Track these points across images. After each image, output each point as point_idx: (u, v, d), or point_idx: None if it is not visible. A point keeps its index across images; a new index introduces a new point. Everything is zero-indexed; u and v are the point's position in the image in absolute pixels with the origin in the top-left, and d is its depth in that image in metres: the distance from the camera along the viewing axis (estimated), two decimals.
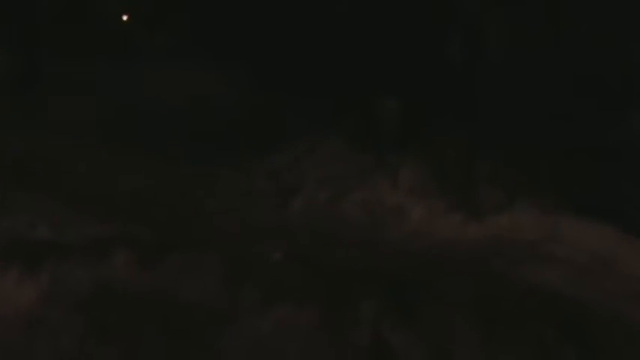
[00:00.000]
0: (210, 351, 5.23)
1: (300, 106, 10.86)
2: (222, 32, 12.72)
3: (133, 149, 10.50)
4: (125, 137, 10.88)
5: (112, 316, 5.45)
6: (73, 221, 7.83)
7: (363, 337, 5.41)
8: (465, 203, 8.46)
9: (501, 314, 5.83)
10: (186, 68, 12.56)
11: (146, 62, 13.26)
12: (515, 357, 5.35)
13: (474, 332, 5.49)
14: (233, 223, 8.14)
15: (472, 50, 10.02)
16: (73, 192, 9.01)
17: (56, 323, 5.38)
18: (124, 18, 14.89)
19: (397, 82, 10.20)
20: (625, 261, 7.30)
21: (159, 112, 11.56)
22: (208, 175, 9.69)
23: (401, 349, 5.32)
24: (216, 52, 12.59)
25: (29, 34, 14.05)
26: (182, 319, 5.47)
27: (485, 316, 5.71)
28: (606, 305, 6.27)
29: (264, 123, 10.88)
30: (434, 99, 9.84)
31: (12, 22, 14.10)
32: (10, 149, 10.58)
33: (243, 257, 6.51)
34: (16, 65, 13.89)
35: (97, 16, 14.48)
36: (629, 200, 8.18)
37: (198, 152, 10.32)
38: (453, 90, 9.83)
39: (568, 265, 7.14)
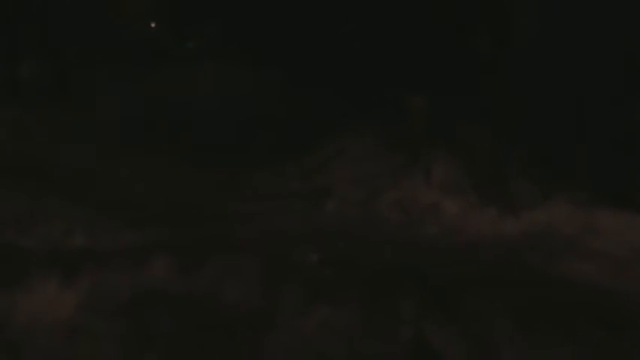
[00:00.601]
0: (252, 353, 5.23)
1: (330, 107, 10.87)
2: (253, 35, 12.76)
3: (166, 153, 10.54)
4: (158, 141, 10.93)
5: (152, 321, 5.47)
6: (108, 228, 7.88)
7: (405, 336, 5.39)
8: (500, 198, 8.42)
9: (540, 309, 5.80)
10: (216, 72, 12.62)
11: (176, 66, 13.32)
12: (554, 350, 5.31)
13: (513, 326, 5.46)
14: (268, 225, 8.14)
15: (500, 43, 9.97)
16: (106, 198, 9.07)
17: (97, 330, 5.40)
18: (152, 25, 14.96)
19: (426, 79, 10.17)
20: None
21: (190, 116, 11.61)
22: (242, 178, 9.72)
23: (442, 346, 5.30)
24: (246, 55, 12.64)
25: (56, 41, 14.14)
26: (223, 323, 5.48)
27: (524, 311, 5.69)
28: None
29: (295, 124, 10.89)
30: (463, 94, 9.80)
31: (40, 29, 14.19)
32: (42, 156, 10.67)
33: (281, 260, 6.52)
34: (45, 72, 13.97)
35: (125, 22, 14.55)
36: None
37: (231, 155, 10.35)
38: (482, 84, 9.79)
39: (605, 258, 7.10)
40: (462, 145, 9.45)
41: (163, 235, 7.31)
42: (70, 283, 5.89)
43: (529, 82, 9.46)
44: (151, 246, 6.64)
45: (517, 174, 8.77)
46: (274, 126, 10.99)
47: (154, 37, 14.67)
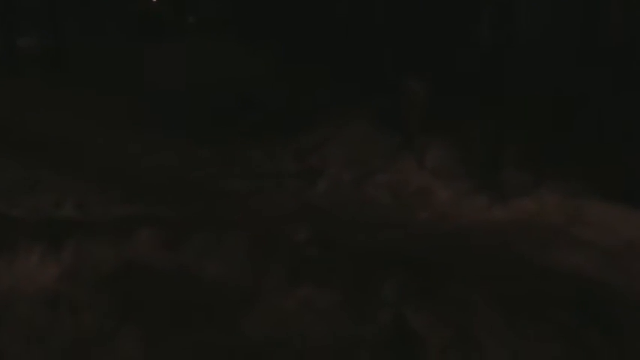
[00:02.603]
0: (234, 329, 5.23)
1: (326, 88, 10.84)
2: (252, 14, 12.72)
3: (159, 128, 10.53)
4: (151, 116, 10.91)
5: (134, 294, 5.47)
6: (98, 200, 7.89)
7: (385, 318, 5.38)
8: (491, 185, 8.40)
9: (525, 297, 5.77)
10: (214, 48, 12.58)
11: (174, 41, 13.30)
12: (538, 340, 5.29)
13: (496, 314, 5.44)
14: (258, 203, 8.15)
15: (501, 30, 9.92)
16: (98, 171, 9.07)
17: (78, 301, 5.40)
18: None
19: (424, 63, 10.13)
20: None
21: (185, 91, 11.59)
22: (234, 155, 9.70)
23: (422, 330, 5.29)
24: (244, 34, 12.60)
25: (57, 15, 14.11)
26: (205, 298, 5.48)
27: (508, 299, 5.66)
28: (632, 289, 6.20)
29: (290, 104, 10.87)
30: (460, 80, 9.77)
31: (40, 2, 14.17)
32: (37, 129, 10.67)
33: (268, 237, 6.51)
34: (44, 46, 13.96)
35: None
36: None
37: (224, 132, 10.33)
38: (480, 71, 9.75)
39: (594, 248, 7.07)
40: (456, 132, 9.42)
41: (151, 210, 7.30)
42: (53, 254, 5.89)
43: (526, 70, 9.43)
44: (137, 219, 6.63)
45: (509, 162, 8.75)
46: (269, 105, 10.96)
47: (156, 11, 14.62)
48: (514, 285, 6.06)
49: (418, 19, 10.49)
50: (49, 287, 5.56)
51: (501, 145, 9.02)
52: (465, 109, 9.59)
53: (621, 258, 6.94)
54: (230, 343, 5.10)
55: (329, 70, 11.05)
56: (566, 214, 7.77)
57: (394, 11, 10.65)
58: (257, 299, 5.45)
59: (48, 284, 5.59)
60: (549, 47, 9.58)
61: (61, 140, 10.34)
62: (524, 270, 6.55)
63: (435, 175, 8.85)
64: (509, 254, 6.94)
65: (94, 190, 8.30)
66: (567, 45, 9.53)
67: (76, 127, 10.76)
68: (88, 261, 5.82)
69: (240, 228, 6.56)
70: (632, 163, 8.33)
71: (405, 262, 6.14)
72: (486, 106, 9.46)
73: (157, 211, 7.31)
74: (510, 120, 9.22)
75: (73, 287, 5.54)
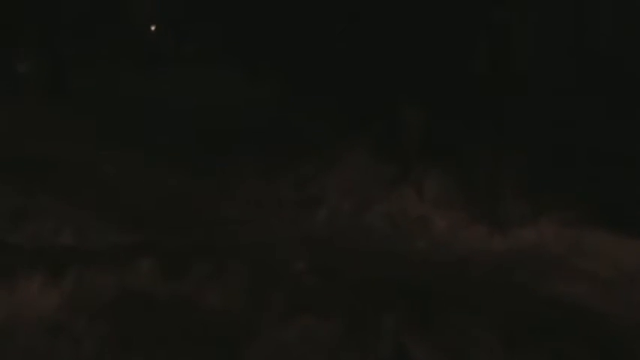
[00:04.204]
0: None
1: (325, 116, 10.85)
2: (250, 42, 12.74)
3: (158, 156, 10.52)
4: (151, 144, 10.90)
5: (134, 323, 5.47)
6: (97, 228, 7.88)
7: (386, 348, 5.39)
8: (490, 215, 8.41)
9: (524, 328, 5.79)
10: (213, 76, 12.59)
11: (173, 69, 13.31)
12: None
13: (496, 345, 5.45)
14: (257, 232, 8.13)
15: (499, 59, 9.96)
16: (97, 198, 9.05)
17: (79, 330, 5.40)
18: (152, 28, 14.96)
19: (422, 92, 10.15)
20: None
21: (185, 119, 11.59)
22: (233, 184, 9.70)
23: None
24: (243, 62, 12.62)
25: (55, 39, 14.13)
26: (205, 328, 5.47)
27: (508, 330, 5.67)
28: (632, 321, 6.20)
29: (289, 132, 10.87)
30: (459, 109, 9.79)
31: (38, 26, 14.18)
32: (35, 154, 10.65)
33: (268, 267, 6.51)
34: (42, 70, 13.96)
35: (125, 23, 14.54)
36: None
37: (224, 160, 10.33)
38: (479, 100, 9.78)
39: (593, 279, 7.07)
40: (455, 161, 9.42)
41: (151, 238, 7.30)
42: (54, 282, 5.89)
43: (524, 100, 9.45)
44: (137, 248, 6.63)
45: (508, 191, 8.76)
46: (268, 134, 10.96)
47: (154, 39, 14.65)
48: (514, 315, 6.07)
49: (415, 48, 10.51)
50: (49, 316, 5.56)
51: (500, 175, 9.04)
52: (463, 138, 9.60)
53: (621, 288, 6.95)
54: None
55: (328, 100, 11.07)
56: (566, 244, 7.78)
57: (391, 40, 10.68)
58: (257, 329, 5.45)
59: (48, 313, 5.59)
60: (546, 74, 9.61)
61: (59, 165, 10.32)
62: (524, 300, 6.56)
63: (434, 204, 8.85)
64: (509, 284, 6.95)
65: (92, 217, 8.28)
66: (564, 72, 9.56)
67: (75, 152, 10.74)
68: (89, 289, 5.82)
69: (240, 257, 6.56)
70: (632, 191, 8.35)
71: (404, 292, 6.15)
72: (485, 134, 9.48)
73: (156, 239, 7.30)
74: (509, 149, 9.24)
75: (74, 316, 5.54)
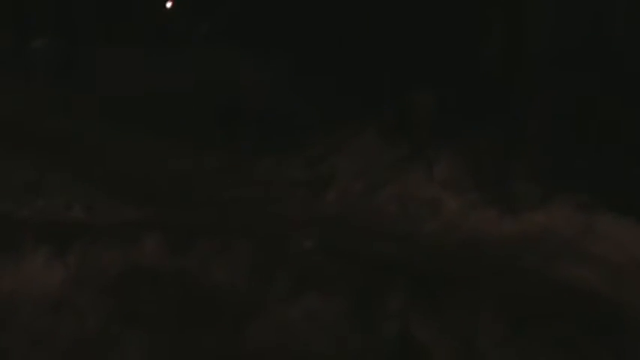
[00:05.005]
0: (237, 337, 5.21)
1: (337, 98, 10.82)
2: (264, 23, 12.72)
3: (170, 134, 10.54)
4: (163, 122, 10.92)
5: (139, 299, 5.45)
6: (108, 203, 7.89)
7: (390, 330, 5.36)
8: (500, 198, 8.34)
9: (531, 311, 5.73)
10: (226, 56, 12.59)
11: (186, 49, 13.32)
12: (543, 354, 5.25)
13: (501, 328, 5.41)
14: (267, 211, 8.12)
15: (511, 42, 9.89)
16: (110, 174, 9.09)
17: (83, 305, 5.39)
18: (168, 5, 14.95)
19: (434, 75, 10.10)
20: None
21: (197, 98, 11.59)
22: (244, 163, 9.69)
23: (428, 343, 5.26)
24: (255, 43, 12.60)
25: (69, 18, 14.16)
26: (209, 305, 5.46)
27: (515, 313, 5.63)
28: None
29: (301, 113, 10.85)
30: (471, 92, 9.73)
31: (53, 5, 14.22)
32: (49, 131, 10.69)
33: (275, 245, 6.48)
34: (56, 49, 14.00)
35: (139, 3, 14.54)
36: None
37: (234, 139, 10.33)
38: (491, 83, 9.72)
39: (604, 263, 7.00)
40: (466, 143, 9.37)
41: (159, 215, 7.29)
42: (59, 257, 5.89)
43: (536, 83, 9.38)
44: (145, 224, 6.62)
45: (519, 174, 8.69)
46: (279, 114, 10.95)
47: (167, 19, 14.65)
48: (521, 298, 6.03)
49: (428, 30, 10.46)
50: (53, 290, 5.56)
51: (511, 157, 8.98)
52: (474, 121, 9.54)
53: (630, 273, 6.89)
54: (233, 350, 5.09)
55: (339, 81, 11.03)
56: (576, 228, 7.70)
57: (404, 23, 10.63)
58: (261, 307, 5.43)
59: (53, 287, 5.59)
60: (560, 58, 9.53)
61: (72, 142, 10.37)
62: (532, 283, 6.51)
63: (444, 186, 8.79)
64: (518, 267, 6.90)
65: (103, 193, 8.30)
66: (578, 56, 9.47)
67: (87, 130, 10.78)
68: (94, 265, 5.81)
69: (247, 235, 6.53)
70: None
71: (411, 274, 6.10)
72: (496, 117, 9.43)
73: (165, 216, 7.30)
74: (520, 132, 9.18)
75: (78, 291, 5.54)
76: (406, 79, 10.38)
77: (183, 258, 5.96)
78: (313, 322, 5.35)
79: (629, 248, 7.33)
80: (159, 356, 5.04)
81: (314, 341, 5.22)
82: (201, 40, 13.87)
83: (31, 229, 6.54)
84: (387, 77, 10.55)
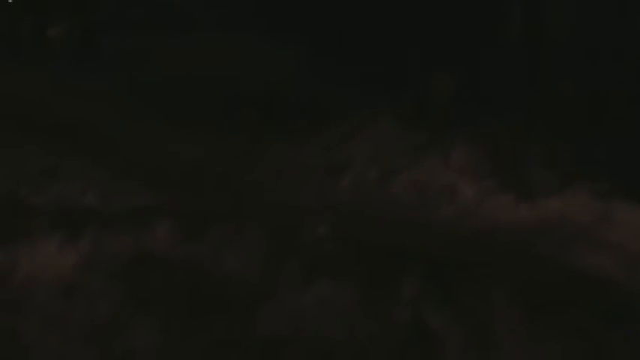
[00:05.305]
0: (248, 323, 5.21)
1: (352, 82, 10.76)
2: (278, 7, 12.66)
3: (185, 120, 10.51)
4: (177, 107, 10.90)
5: (150, 284, 5.47)
6: (122, 189, 7.87)
7: (403, 316, 5.34)
8: (517, 184, 8.29)
9: (546, 298, 5.71)
10: (241, 41, 12.53)
11: (201, 34, 13.26)
12: (557, 341, 5.22)
13: (516, 315, 5.38)
14: (281, 197, 8.09)
15: (531, 25, 9.81)
16: (123, 160, 9.07)
17: (94, 290, 5.41)
18: None
19: (452, 59, 10.03)
20: None
21: (212, 84, 11.55)
22: (258, 149, 9.66)
23: (441, 330, 5.24)
24: (270, 27, 12.54)
25: (86, 3, 14.16)
26: (221, 291, 5.45)
27: (529, 300, 5.60)
28: None
29: (316, 98, 10.80)
30: (489, 76, 9.66)
31: None
32: (66, 117, 10.70)
33: (288, 231, 6.47)
34: (74, 33, 14.01)
35: None
36: None
37: (250, 125, 10.30)
38: (510, 67, 9.64)
39: (620, 251, 6.96)
40: (482, 129, 9.30)
41: (171, 201, 7.28)
42: (72, 242, 5.90)
43: (556, 67, 9.31)
44: (157, 210, 6.61)
45: (536, 161, 8.64)
46: (294, 99, 10.90)
47: (182, 4, 14.61)
48: (535, 285, 6.00)
49: (445, 13, 10.36)
50: (66, 275, 5.57)
51: (528, 144, 8.92)
52: (492, 106, 9.48)
53: None
54: (244, 336, 5.09)
55: (355, 66, 10.97)
56: (593, 215, 7.64)
57: (421, 5, 10.54)
58: (273, 293, 5.43)
59: (65, 272, 5.60)
60: (580, 43, 9.45)
61: (87, 128, 10.36)
62: (547, 270, 6.48)
63: (461, 173, 8.73)
64: (533, 254, 6.86)
65: (118, 179, 8.29)
66: (598, 41, 9.38)
67: (103, 115, 10.77)
68: (106, 250, 5.83)
69: (260, 221, 6.52)
70: None
71: (425, 261, 6.07)
72: (515, 102, 9.36)
73: (178, 202, 7.28)
74: (539, 118, 9.11)
75: (90, 276, 5.55)
76: (424, 64, 10.31)
77: (195, 244, 5.96)
78: (325, 309, 5.34)
79: None
80: (170, 341, 5.04)
81: (326, 328, 5.21)
82: (215, 24, 13.81)
83: (45, 215, 6.56)
84: (404, 63, 10.48)
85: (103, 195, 7.72)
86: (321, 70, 11.25)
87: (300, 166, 9.21)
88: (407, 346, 5.17)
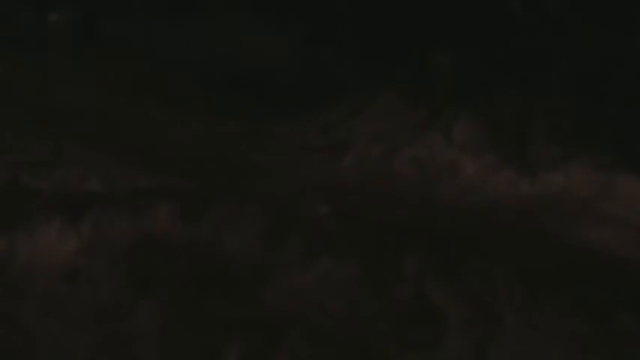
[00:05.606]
0: (250, 303, 5.21)
1: (353, 60, 10.73)
2: None
3: (184, 102, 10.51)
4: (178, 91, 10.90)
5: (152, 268, 5.45)
6: (124, 174, 7.85)
7: (405, 293, 5.33)
8: (519, 159, 8.27)
9: (548, 273, 5.69)
10: (240, 23, 12.50)
11: (201, 17, 13.23)
12: (561, 316, 5.20)
13: (519, 290, 5.36)
14: (282, 177, 8.08)
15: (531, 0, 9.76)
16: (124, 143, 9.06)
17: (96, 274, 5.40)
18: None
19: (452, 35, 9.97)
20: None
21: (211, 66, 11.54)
22: (259, 129, 9.64)
23: (443, 305, 5.23)
24: (268, 8, 12.50)
25: None
26: (222, 272, 5.45)
27: (531, 274, 5.58)
28: None
29: (316, 77, 10.77)
30: (490, 52, 9.62)
31: None
32: (67, 103, 10.71)
33: (289, 210, 6.44)
34: (72, 19, 14.00)
35: None
36: None
37: (250, 106, 10.29)
38: (511, 43, 9.59)
39: (622, 224, 6.95)
40: (483, 105, 9.26)
41: (173, 183, 7.27)
42: (72, 227, 5.89)
43: (557, 43, 9.26)
44: (158, 192, 6.59)
45: (538, 135, 8.60)
46: (295, 78, 10.88)
47: None
48: (538, 260, 5.99)
49: None
50: (67, 260, 5.57)
51: (530, 119, 8.88)
52: (494, 82, 9.43)
53: None
54: (247, 316, 5.08)
55: (356, 44, 10.93)
56: (596, 189, 7.62)
57: None
58: (275, 272, 5.41)
59: (66, 257, 5.60)
60: (580, 17, 9.39)
61: (88, 113, 10.37)
62: (550, 245, 6.47)
63: (462, 149, 8.71)
64: (535, 229, 6.85)
65: (118, 163, 8.28)
66: (599, 16, 9.33)
67: (103, 100, 10.78)
68: (107, 234, 5.81)
69: (261, 201, 6.50)
70: None
71: (427, 237, 6.06)
72: (516, 78, 9.31)
73: (179, 184, 7.27)
74: (540, 93, 9.07)
75: (91, 260, 5.55)
76: (424, 40, 10.25)
77: (196, 225, 5.93)
78: (328, 287, 5.33)
79: None
80: (172, 324, 5.05)
81: (328, 305, 5.20)
82: (214, 7, 13.78)
83: (46, 199, 6.55)
84: (404, 38, 10.42)
85: (103, 179, 7.69)
86: (320, 50, 11.23)
87: (301, 146, 9.21)
88: (410, 322, 5.16)
